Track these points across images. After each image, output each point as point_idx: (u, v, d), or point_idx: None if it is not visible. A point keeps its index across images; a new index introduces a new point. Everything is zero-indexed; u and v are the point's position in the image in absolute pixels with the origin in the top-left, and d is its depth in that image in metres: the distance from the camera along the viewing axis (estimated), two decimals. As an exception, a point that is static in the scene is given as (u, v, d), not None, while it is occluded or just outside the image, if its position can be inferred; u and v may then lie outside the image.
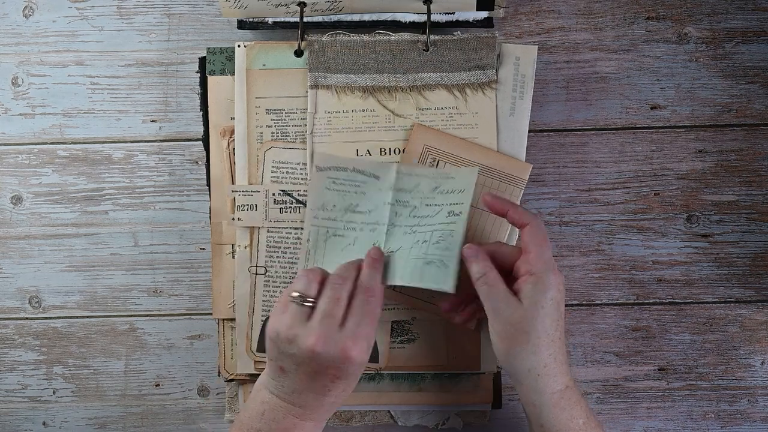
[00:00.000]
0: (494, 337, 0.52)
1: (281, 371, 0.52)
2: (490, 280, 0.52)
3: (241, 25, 0.62)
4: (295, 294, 0.52)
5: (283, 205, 0.61)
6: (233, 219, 0.61)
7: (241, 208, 0.61)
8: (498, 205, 0.55)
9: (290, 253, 0.61)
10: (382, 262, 0.55)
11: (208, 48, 0.62)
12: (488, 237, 0.60)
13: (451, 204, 0.57)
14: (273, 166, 0.62)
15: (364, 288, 0.53)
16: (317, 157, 0.60)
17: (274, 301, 0.61)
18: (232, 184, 0.62)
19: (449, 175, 0.58)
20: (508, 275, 0.53)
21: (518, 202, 0.60)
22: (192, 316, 0.65)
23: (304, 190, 0.61)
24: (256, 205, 0.61)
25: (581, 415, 0.52)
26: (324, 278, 0.53)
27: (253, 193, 0.61)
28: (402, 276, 0.55)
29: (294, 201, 0.61)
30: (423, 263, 0.55)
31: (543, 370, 0.51)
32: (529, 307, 0.50)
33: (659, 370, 0.65)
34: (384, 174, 0.59)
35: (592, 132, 0.64)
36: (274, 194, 0.61)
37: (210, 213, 0.63)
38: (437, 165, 0.60)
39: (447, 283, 0.53)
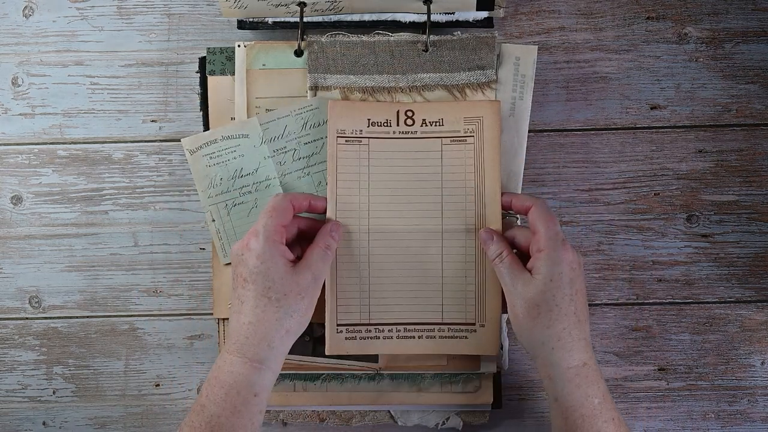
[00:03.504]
0: (511, 313, 0.54)
1: None
2: (505, 258, 0.55)
3: (241, 25, 0.62)
4: None
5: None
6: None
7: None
8: (503, 200, 0.58)
9: (290, 253, 0.61)
10: (321, 203, 0.57)
11: (208, 48, 0.62)
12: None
13: None
14: (273, 166, 0.62)
15: (286, 194, 0.55)
16: (184, 142, 0.61)
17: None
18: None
19: (311, 106, 0.60)
20: (527, 259, 0.55)
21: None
22: (192, 316, 0.65)
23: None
24: (255, 205, 0.62)
25: (597, 395, 0.52)
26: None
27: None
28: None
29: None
30: None
31: (557, 344, 0.52)
32: (540, 281, 0.52)
33: (659, 370, 0.65)
34: (251, 130, 0.60)
35: (592, 132, 0.64)
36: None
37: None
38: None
39: None
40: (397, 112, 0.58)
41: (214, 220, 0.61)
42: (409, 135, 0.58)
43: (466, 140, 0.57)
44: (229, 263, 0.61)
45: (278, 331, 0.52)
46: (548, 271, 0.52)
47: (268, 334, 0.52)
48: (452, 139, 0.57)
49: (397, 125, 0.58)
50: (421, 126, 0.58)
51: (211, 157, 0.61)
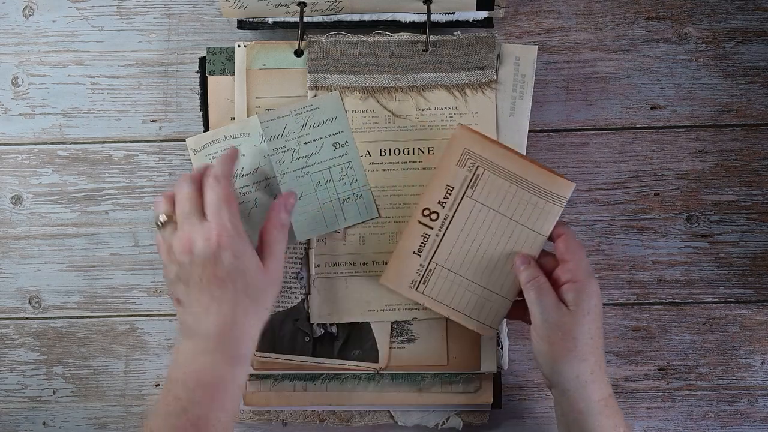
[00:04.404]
0: (540, 344, 0.53)
1: (178, 303, 0.51)
2: (540, 285, 0.53)
3: (241, 25, 0.62)
4: (157, 222, 0.51)
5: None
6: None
7: (240, 208, 0.62)
8: None
9: (290, 253, 0.61)
10: (232, 156, 0.54)
11: (208, 48, 0.62)
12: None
13: (330, 135, 0.60)
14: (273, 166, 0.62)
15: (211, 175, 0.51)
16: (189, 142, 0.61)
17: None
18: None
19: (311, 107, 0.60)
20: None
21: (557, 220, 0.56)
22: (192, 316, 0.65)
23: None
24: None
25: (622, 424, 0.52)
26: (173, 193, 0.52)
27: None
28: (327, 224, 0.60)
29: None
30: (339, 204, 0.60)
31: (590, 377, 0.51)
32: (576, 313, 0.51)
33: (659, 370, 0.65)
34: (252, 129, 0.60)
35: (592, 132, 0.64)
36: (273, 194, 0.62)
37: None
38: (475, 171, 0.56)
39: (370, 212, 0.60)
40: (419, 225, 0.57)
41: None
42: (449, 218, 0.57)
43: (479, 174, 0.56)
44: None
45: (261, 328, 0.51)
46: (585, 305, 0.52)
47: (253, 333, 0.51)
48: (469, 186, 0.57)
49: (430, 228, 0.57)
50: (446, 209, 0.57)
51: (213, 157, 0.61)
